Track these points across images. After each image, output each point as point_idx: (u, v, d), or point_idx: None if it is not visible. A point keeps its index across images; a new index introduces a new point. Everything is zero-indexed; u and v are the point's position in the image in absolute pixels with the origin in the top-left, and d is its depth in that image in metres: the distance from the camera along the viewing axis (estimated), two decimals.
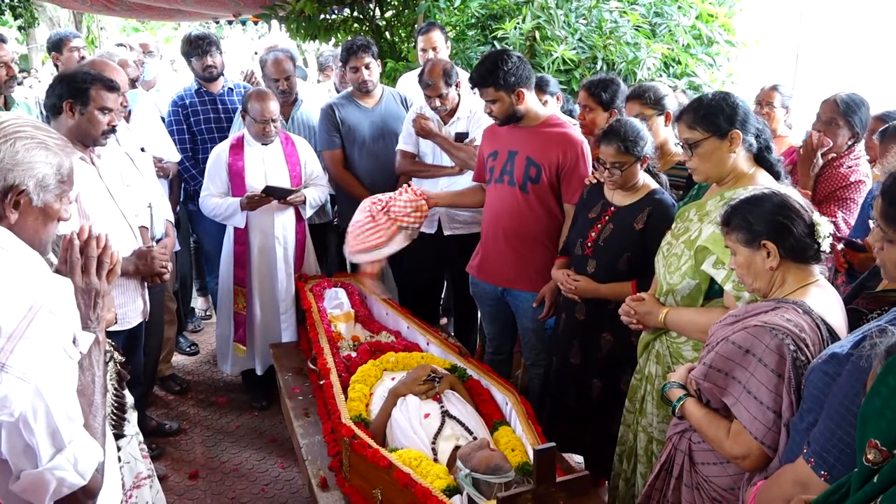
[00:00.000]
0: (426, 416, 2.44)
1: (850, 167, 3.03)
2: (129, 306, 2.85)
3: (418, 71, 3.68)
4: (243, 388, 4.05)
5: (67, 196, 1.49)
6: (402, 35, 5.48)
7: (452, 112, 3.57)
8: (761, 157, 2.18)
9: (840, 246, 2.66)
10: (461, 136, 3.58)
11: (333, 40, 5.69)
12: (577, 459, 2.84)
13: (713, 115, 2.12)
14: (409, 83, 4.29)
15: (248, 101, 3.52)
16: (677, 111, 2.35)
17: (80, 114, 2.59)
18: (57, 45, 4.28)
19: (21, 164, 1.38)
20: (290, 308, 3.68)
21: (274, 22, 6.01)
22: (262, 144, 3.58)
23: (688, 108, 2.21)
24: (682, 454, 1.92)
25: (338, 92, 4.62)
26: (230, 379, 4.16)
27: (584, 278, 2.68)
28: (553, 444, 1.96)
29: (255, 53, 10.21)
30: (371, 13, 5.52)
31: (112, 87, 2.65)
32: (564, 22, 4.43)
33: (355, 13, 5.51)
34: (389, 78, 4.87)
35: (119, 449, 1.95)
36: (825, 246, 1.75)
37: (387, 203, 3.14)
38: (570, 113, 3.73)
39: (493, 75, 2.87)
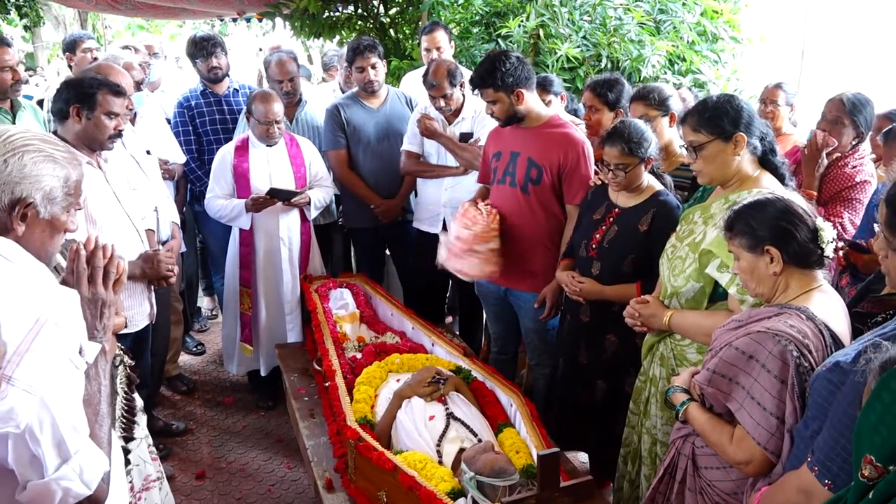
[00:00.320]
0: (431, 418, 2.45)
1: (854, 167, 3.01)
2: (135, 309, 2.87)
3: (422, 70, 3.68)
4: (249, 388, 4.07)
5: (75, 208, 1.51)
6: (407, 32, 5.47)
7: (457, 112, 3.57)
8: (766, 160, 2.18)
9: (840, 244, 2.64)
10: (465, 137, 3.58)
11: (337, 38, 5.69)
12: (581, 458, 2.85)
13: (717, 118, 2.12)
14: (412, 82, 4.29)
15: (252, 102, 3.53)
16: (682, 112, 2.34)
17: (86, 118, 2.61)
18: (71, 47, 4.43)
19: (28, 178, 1.39)
20: (296, 309, 3.69)
21: (278, 19, 6.01)
22: (267, 146, 3.59)
23: (692, 111, 2.21)
24: (685, 458, 1.93)
25: (342, 92, 4.62)
26: (236, 379, 4.18)
27: (589, 280, 2.68)
28: (557, 449, 1.97)
29: (260, 50, 10.21)
30: (375, 10, 5.51)
31: (119, 91, 2.67)
32: (568, 19, 4.40)
33: (359, 10, 5.50)
34: (393, 76, 4.86)
35: (128, 452, 1.96)
36: (828, 251, 1.75)
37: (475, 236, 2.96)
38: (574, 112, 3.72)
39: (491, 76, 2.88)
